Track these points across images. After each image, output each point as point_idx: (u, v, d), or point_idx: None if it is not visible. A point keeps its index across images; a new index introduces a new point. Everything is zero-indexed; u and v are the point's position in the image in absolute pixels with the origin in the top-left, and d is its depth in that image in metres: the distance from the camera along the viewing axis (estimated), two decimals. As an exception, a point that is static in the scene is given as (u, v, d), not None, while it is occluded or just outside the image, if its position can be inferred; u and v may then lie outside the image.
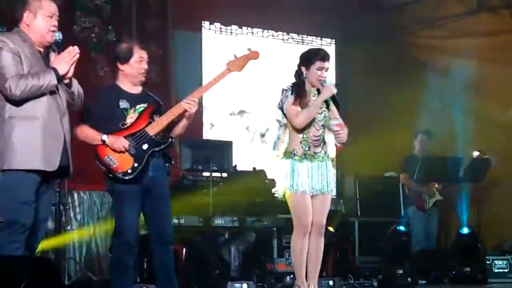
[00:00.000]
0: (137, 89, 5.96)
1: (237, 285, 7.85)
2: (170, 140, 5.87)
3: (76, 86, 5.25)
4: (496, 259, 9.26)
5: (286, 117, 6.31)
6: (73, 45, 5.22)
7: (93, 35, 10.18)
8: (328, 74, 6.31)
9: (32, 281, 6.02)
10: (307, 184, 6.19)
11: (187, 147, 9.13)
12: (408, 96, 11.37)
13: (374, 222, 9.83)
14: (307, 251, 6.26)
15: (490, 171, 9.83)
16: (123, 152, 5.71)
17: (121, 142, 5.70)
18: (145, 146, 5.75)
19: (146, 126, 5.79)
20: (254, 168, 9.76)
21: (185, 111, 5.86)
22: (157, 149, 5.78)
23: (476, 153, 9.86)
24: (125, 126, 5.81)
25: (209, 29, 11.47)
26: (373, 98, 11.53)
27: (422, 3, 11.56)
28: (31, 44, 5.14)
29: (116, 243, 5.83)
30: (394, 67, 11.53)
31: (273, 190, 9.26)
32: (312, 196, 6.24)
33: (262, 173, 9.62)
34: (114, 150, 5.71)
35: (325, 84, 6.17)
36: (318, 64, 6.23)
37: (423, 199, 9.95)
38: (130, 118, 5.83)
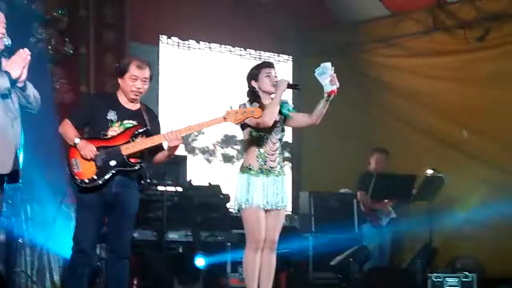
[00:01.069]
0: (133, 105, 5.92)
1: (190, 300, 7.83)
2: (138, 165, 5.82)
3: (31, 90, 5.19)
4: (447, 277, 9.31)
5: (244, 131, 6.32)
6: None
7: (49, 47, 10.09)
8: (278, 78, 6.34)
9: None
10: (262, 198, 6.19)
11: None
12: (364, 113, 11.48)
13: (328, 238, 9.85)
14: (259, 266, 6.25)
15: (443, 189, 9.91)
16: (89, 160, 5.68)
17: (89, 149, 5.67)
18: (112, 163, 5.71)
19: (124, 144, 5.76)
20: (209, 183, 9.75)
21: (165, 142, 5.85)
22: (122, 169, 5.74)
23: (429, 171, 9.93)
24: (104, 137, 5.78)
25: (167, 43, 11.46)
26: (330, 114, 11.55)
27: (378, 22, 11.65)
28: None
29: (72, 251, 5.84)
30: (351, 84, 11.56)
31: (227, 205, 9.26)
32: (266, 211, 6.24)
33: (216, 188, 9.60)
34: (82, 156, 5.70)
35: (277, 82, 6.24)
36: (264, 71, 6.31)
37: (378, 217, 10.00)
38: (113, 131, 5.79)
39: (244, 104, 6.27)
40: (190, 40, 11.65)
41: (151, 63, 10.86)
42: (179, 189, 9.11)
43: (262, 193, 6.20)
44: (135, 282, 8.05)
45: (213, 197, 9.28)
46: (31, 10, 9.96)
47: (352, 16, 11.90)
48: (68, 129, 5.82)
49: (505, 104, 10.17)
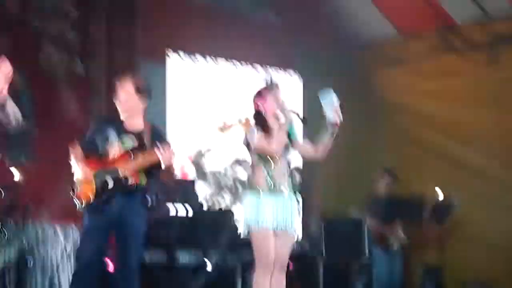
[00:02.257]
0: (136, 126, 5.95)
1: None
2: (136, 185, 5.83)
3: (11, 108, 5.12)
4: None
5: (251, 154, 6.32)
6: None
7: (61, 67, 10.14)
8: (285, 102, 6.36)
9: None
10: (272, 220, 6.18)
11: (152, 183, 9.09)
12: (373, 135, 11.47)
13: (339, 262, 9.83)
14: (269, 289, 6.24)
15: (455, 213, 9.89)
16: (89, 182, 5.70)
17: (84, 171, 5.72)
18: (110, 184, 5.74)
19: (122, 164, 5.77)
20: (220, 208, 9.79)
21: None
22: (121, 189, 5.75)
23: (440, 194, 9.91)
24: (105, 158, 5.80)
25: (175, 58, 11.47)
26: (339, 134, 11.55)
27: (387, 43, 11.67)
28: None
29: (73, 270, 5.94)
30: (359, 105, 11.60)
31: (238, 228, 9.26)
32: (275, 234, 6.22)
33: (227, 211, 9.61)
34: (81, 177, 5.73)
35: (284, 110, 6.24)
36: (271, 95, 6.32)
37: (388, 240, 9.97)
38: (113, 151, 5.82)
39: (251, 127, 6.28)
40: (196, 55, 11.67)
41: (160, 80, 11.08)
42: (191, 211, 9.10)
43: (271, 215, 6.18)
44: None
45: (224, 220, 9.27)
46: (43, 31, 10.02)
47: (361, 36, 11.90)
48: (72, 153, 5.87)
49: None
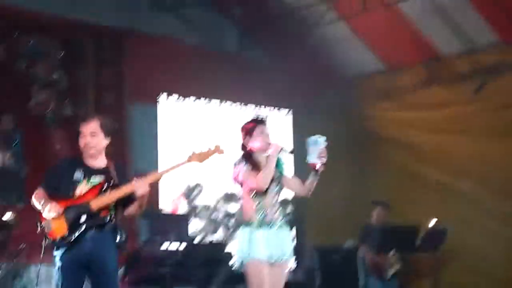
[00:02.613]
0: (100, 163, 5.92)
1: None
2: (108, 218, 5.81)
3: None
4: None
5: (242, 187, 6.33)
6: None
7: (49, 109, 10.17)
8: (272, 136, 6.37)
9: None
10: (265, 251, 6.15)
11: (144, 218, 9.10)
12: (365, 166, 11.50)
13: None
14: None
15: (447, 240, 9.89)
16: (58, 219, 5.68)
17: (51, 207, 5.67)
18: (82, 219, 5.71)
19: (92, 199, 5.76)
20: (211, 241, 9.75)
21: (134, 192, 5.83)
22: (92, 224, 5.73)
23: (432, 222, 9.92)
24: (73, 196, 5.78)
25: (166, 100, 11.52)
26: (330, 168, 11.58)
27: (375, 77, 11.75)
28: None
29: None
30: (350, 138, 11.66)
31: (230, 262, 9.22)
32: (269, 265, 6.19)
33: (219, 245, 9.58)
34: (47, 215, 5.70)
35: (270, 145, 6.25)
36: (258, 129, 6.32)
37: (382, 269, 9.94)
38: (80, 189, 5.80)
39: (239, 161, 6.29)
40: (190, 97, 11.72)
41: (151, 122, 11.08)
42: (182, 246, 9.07)
43: (264, 246, 6.15)
44: None
45: (216, 254, 9.25)
46: (30, 73, 10.06)
47: (350, 71, 11.98)
48: (34, 196, 5.79)
49: (506, 154, 10.19)
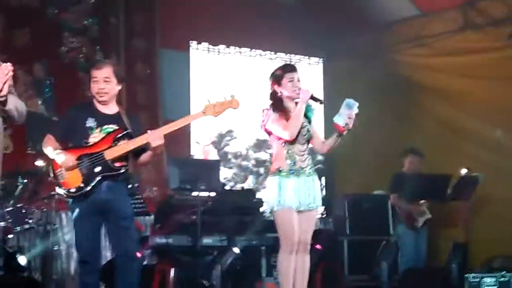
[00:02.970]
0: (111, 109, 5.91)
1: (226, 304, 7.81)
2: (123, 169, 5.81)
3: (13, 104, 5.08)
4: (485, 277, 9.22)
5: (270, 135, 6.33)
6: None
7: (80, 56, 10.19)
8: (301, 84, 6.34)
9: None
10: (294, 199, 6.18)
11: (174, 166, 9.12)
12: (397, 114, 11.42)
13: (363, 240, 9.82)
14: (294, 269, 6.23)
15: (478, 189, 9.84)
16: (72, 169, 5.69)
17: (67, 158, 5.68)
18: (97, 169, 5.71)
19: (107, 149, 5.76)
20: (242, 188, 9.76)
21: (149, 142, 5.80)
22: (108, 174, 5.75)
23: (464, 171, 9.85)
24: (86, 145, 5.78)
25: (197, 48, 11.49)
26: (362, 115, 11.53)
27: (408, 22, 11.60)
28: None
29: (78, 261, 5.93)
30: (382, 85, 11.55)
31: (260, 209, 9.26)
32: (299, 212, 6.21)
33: (249, 192, 9.60)
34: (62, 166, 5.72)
35: (300, 91, 6.23)
36: (287, 76, 6.30)
37: (413, 218, 9.91)
38: (94, 137, 5.79)
39: (268, 109, 6.28)
40: (220, 45, 11.67)
41: (182, 70, 11.08)
42: (213, 193, 9.10)
43: (294, 194, 6.19)
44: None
45: (246, 202, 9.27)
46: (62, 20, 10.07)
47: (383, 17, 11.83)
48: (47, 144, 5.83)
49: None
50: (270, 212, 6.34)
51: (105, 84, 5.85)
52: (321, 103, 6.46)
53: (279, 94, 6.32)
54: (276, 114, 6.25)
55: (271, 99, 6.36)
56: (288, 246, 6.21)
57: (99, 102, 5.88)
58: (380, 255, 9.12)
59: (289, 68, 6.47)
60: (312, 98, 6.30)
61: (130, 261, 5.84)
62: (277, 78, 6.37)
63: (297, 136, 6.25)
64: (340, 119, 6.19)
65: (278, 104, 6.30)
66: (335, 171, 12.05)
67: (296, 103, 6.29)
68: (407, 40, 11.69)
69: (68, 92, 9.71)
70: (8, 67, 4.81)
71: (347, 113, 6.18)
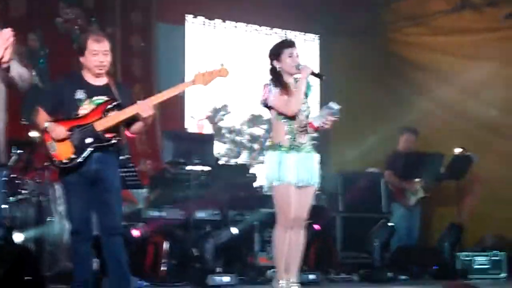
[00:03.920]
0: (100, 81, 5.88)
1: (217, 278, 7.78)
2: (114, 140, 5.81)
3: (16, 70, 5.06)
4: (476, 256, 9.28)
5: (271, 110, 6.32)
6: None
7: (76, 27, 10.14)
8: (300, 59, 6.34)
9: (11, 270, 6.01)
10: (294, 175, 6.17)
11: (168, 139, 9.10)
12: (392, 92, 11.43)
13: (356, 217, 9.84)
14: (288, 244, 6.25)
15: (472, 168, 9.86)
16: (63, 141, 5.69)
17: (58, 130, 5.68)
18: (88, 140, 5.71)
19: (97, 120, 5.74)
20: (236, 162, 9.75)
21: (139, 113, 5.81)
22: (99, 145, 5.74)
23: (457, 150, 9.87)
24: (77, 116, 5.77)
25: (193, 22, 11.44)
26: (358, 93, 11.56)
27: (406, 0, 11.58)
28: None
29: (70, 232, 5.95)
30: (378, 63, 11.56)
31: (254, 184, 9.25)
32: (297, 188, 6.21)
33: (243, 167, 9.59)
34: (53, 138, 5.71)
35: (300, 67, 6.22)
36: (287, 52, 6.29)
37: (407, 196, 9.95)
38: (84, 109, 5.77)
39: (269, 84, 6.27)
40: (216, 20, 11.62)
41: (178, 43, 11.04)
42: (207, 168, 9.09)
43: (294, 170, 6.18)
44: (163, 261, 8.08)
45: (240, 176, 9.27)
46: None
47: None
48: (37, 117, 5.82)
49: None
50: (269, 187, 6.32)
51: (104, 57, 5.83)
52: (321, 79, 6.46)
53: (278, 69, 6.31)
54: (276, 90, 6.24)
55: (270, 74, 6.35)
56: (285, 221, 6.21)
57: (96, 74, 5.85)
58: (373, 233, 9.12)
59: (288, 43, 6.45)
60: (313, 74, 6.30)
61: (112, 236, 5.84)
62: (276, 53, 6.35)
63: (298, 112, 6.25)
64: (316, 120, 6.21)
65: (278, 80, 6.29)
66: (329, 147, 12.04)
67: (295, 78, 6.29)
68: (404, 18, 11.70)
69: (62, 63, 9.65)
70: (9, 32, 4.79)
71: (325, 115, 6.19)
